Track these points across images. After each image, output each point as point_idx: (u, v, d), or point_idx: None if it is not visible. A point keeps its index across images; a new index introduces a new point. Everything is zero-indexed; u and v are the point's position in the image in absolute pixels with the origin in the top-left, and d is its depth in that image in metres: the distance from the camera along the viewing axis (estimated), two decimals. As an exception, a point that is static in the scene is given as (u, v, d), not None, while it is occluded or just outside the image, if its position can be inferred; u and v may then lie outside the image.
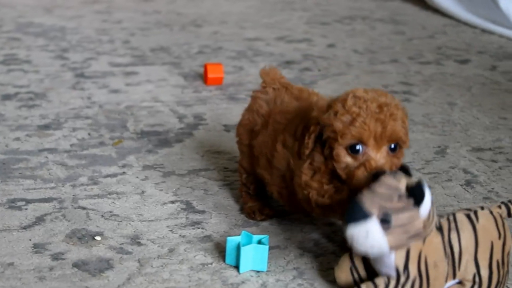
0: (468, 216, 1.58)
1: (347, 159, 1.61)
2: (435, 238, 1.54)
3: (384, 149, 1.60)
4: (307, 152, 1.65)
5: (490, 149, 2.39)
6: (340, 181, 1.64)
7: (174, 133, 2.46)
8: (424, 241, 1.53)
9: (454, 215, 1.59)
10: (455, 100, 2.83)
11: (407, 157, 2.30)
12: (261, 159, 1.84)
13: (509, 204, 1.61)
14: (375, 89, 1.65)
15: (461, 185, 2.13)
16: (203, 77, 2.96)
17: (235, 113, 2.64)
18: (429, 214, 1.51)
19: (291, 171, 1.74)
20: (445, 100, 2.81)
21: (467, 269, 1.56)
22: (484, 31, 3.74)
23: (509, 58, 3.34)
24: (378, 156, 1.59)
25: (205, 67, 2.93)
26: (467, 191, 2.10)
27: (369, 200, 1.49)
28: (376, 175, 1.55)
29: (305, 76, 3.06)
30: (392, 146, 1.60)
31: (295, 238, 1.85)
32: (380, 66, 3.21)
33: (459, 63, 3.27)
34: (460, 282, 1.57)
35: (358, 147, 1.60)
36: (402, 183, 1.51)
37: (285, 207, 1.92)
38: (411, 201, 1.49)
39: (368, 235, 1.48)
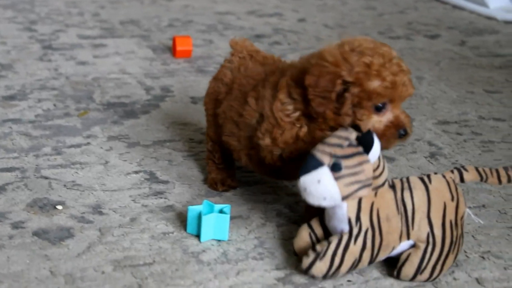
0: (421, 179, 1.61)
1: (373, 117, 1.61)
2: (387, 193, 1.56)
3: (400, 106, 1.63)
4: (347, 110, 1.61)
5: (455, 122, 2.40)
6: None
7: (140, 104, 2.45)
8: (376, 194, 1.55)
9: (407, 177, 1.61)
10: (423, 74, 2.83)
11: (373, 129, 2.30)
12: (226, 125, 1.83)
13: (461, 169, 1.62)
14: (373, 40, 1.65)
15: (425, 157, 2.14)
16: (172, 50, 2.94)
17: (202, 85, 2.63)
18: (378, 162, 1.54)
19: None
20: (414, 74, 2.81)
21: (420, 228, 1.57)
22: (455, 7, 3.74)
23: (478, 33, 3.35)
24: (401, 114, 1.62)
25: (173, 39, 2.92)
26: (431, 163, 2.11)
27: (320, 151, 1.51)
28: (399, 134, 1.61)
29: (274, 49, 3.05)
30: None
31: (257, 208, 1.85)
32: (350, 41, 3.20)
33: (429, 38, 3.28)
34: (414, 245, 1.58)
35: (383, 104, 1.61)
36: (352, 134, 1.54)
37: (254, 172, 1.92)
38: (361, 148, 1.52)
39: (319, 183, 1.50)
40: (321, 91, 1.61)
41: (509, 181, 1.64)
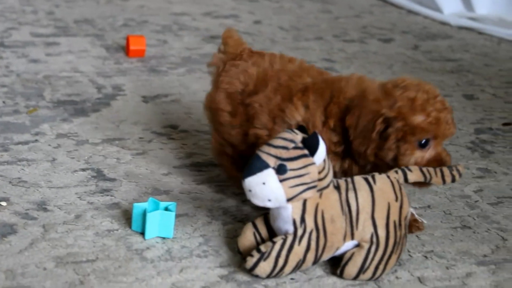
0: (366, 179, 1.61)
1: (416, 153, 1.64)
2: (332, 194, 1.57)
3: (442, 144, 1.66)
4: (390, 145, 1.65)
5: (405, 124, 2.41)
6: None
7: (91, 103, 2.44)
8: (321, 195, 1.55)
9: (352, 177, 1.62)
10: (375, 77, 2.83)
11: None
12: (259, 117, 1.78)
13: (405, 169, 1.63)
14: (417, 79, 1.69)
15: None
16: (125, 49, 2.93)
17: (155, 84, 2.62)
18: (324, 164, 1.54)
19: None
20: (366, 77, 2.83)
21: (364, 229, 1.58)
22: (410, 11, 3.77)
23: (431, 38, 3.38)
24: (443, 151, 1.66)
25: (127, 39, 2.91)
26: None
27: (265, 153, 1.52)
28: None
29: (228, 50, 3.05)
30: None
31: (204, 206, 1.85)
32: (305, 43, 3.22)
33: (382, 42, 3.30)
34: (358, 245, 1.59)
35: (426, 141, 1.64)
36: (298, 136, 1.54)
37: (202, 170, 1.92)
38: (306, 150, 1.52)
39: (265, 185, 1.51)
40: (362, 131, 1.63)
41: (453, 180, 1.66)
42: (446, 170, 1.65)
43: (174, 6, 3.64)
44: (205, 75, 2.72)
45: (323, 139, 1.57)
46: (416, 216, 1.74)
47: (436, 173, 1.65)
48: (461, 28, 3.54)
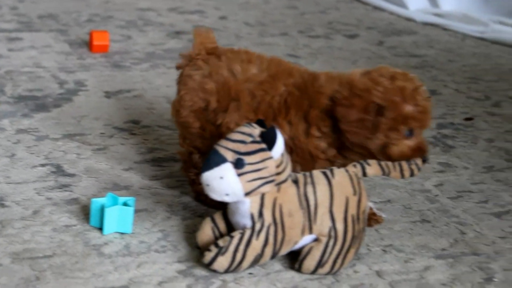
0: (324, 173, 1.61)
1: (404, 141, 1.65)
2: (290, 189, 1.57)
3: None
4: (381, 135, 1.65)
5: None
6: None
7: (53, 98, 2.42)
8: (279, 189, 1.55)
9: (310, 172, 1.62)
10: (339, 72, 2.84)
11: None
12: None
13: (364, 163, 1.63)
14: (402, 72, 1.67)
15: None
16: (89, 45, 2.91)
17: (118, 80, 2.61)
18: (281, 158, 1.54)
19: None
20: (330, 73, 2.83)
21: (323, 223, 1.58)
22: (376, 8, 3.77)
23: (397, 34, 3.39)
24: (423, 138, 1.67)
25: (90, 34, 2.89)
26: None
27: (223, 147, 1.51)
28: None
29: (193, 46, 3.04)
30: None
31: (164, 201, 1.84)
32: (270, 39, 3.22)
33: (347, 37, 3.30)
34: (316, 239, 1.59)
35: (412, 130, 1.65)
36: (256, 130, 1.53)
37: (163, 166, 1.90)
38: (264, 145, 1.52)
39: (222, 180, 1.50)
40: (355, 121, 1.62)
41: (412, 175, 1.66)
42: (404, 165, 1.66)
43: (139, 1, 3.63)
44: (169, 71, 2.72)
45: (281, 133, 1.57)
46: (375, 210, 1.74)
47: (394, 168, 1.65)
48: (426, 24, 3.55)
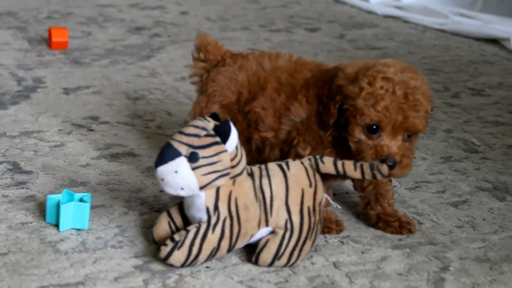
0: (280, 165, 1.61)
1: (361, 136, 1.63)
2: (245, 182, 1.57)
3: (400, 137, 1.62)
4: (331, 121, 1.66)
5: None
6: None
7: (10, 95, 2.40)
8: (234, 182, 1.55)
9: (265, 164, 1.62)
10: (300, 66, 2.85)
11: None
12: (265, 120, 1.76)
13: (318, 159, 1.63)
14: (406, 67, 1.64)
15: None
16: (48, 42, 2.89)
17: (77, 76, 2.60)
18: (236, 151, 1.54)
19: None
20: (290, 66, 2.83)
21: (279, 215, 1.58)
22: (337, 1, 3.79)
23: (358, 27, 3.40)
24: (392, 144, 1.62)
25: (49, 31, 2.87)
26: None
27: (177, 141, 1.51)
28: (382, 160, 1.62)
29: (154, 41, 3.04)
30: (407, 135, 1.64)
31: (121, 197, 1.84)
32: (231, 33, 3.21)
33: (308, 31, 3.31)
34: (273, 232, 1.59)
35: (375, 128, 1.61)
36: (210, 124, 1.53)
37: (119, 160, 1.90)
38: (218, 138, 1.51)
39: (177, 174, 1.50)
40: (324, 103, 1.64)
41: (373, 177, 1.64)
42: (367, 168, 1.63)
43: (100, -3, 3.61)
44: (128, 66, 2.71)
45: (235, 127, 1.57)
46: (331, 201, 1.75)
47: (355, 168, 1.63)
48: (387, 17, 3.57)
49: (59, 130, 2.18)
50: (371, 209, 1.77)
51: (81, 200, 1.71)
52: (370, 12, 3.62)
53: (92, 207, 1.76)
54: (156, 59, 2.82)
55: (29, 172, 1.92)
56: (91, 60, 2.76)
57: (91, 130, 2.18)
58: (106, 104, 2.38)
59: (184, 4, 3.62)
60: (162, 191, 1.84)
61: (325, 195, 1.66)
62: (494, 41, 3.24)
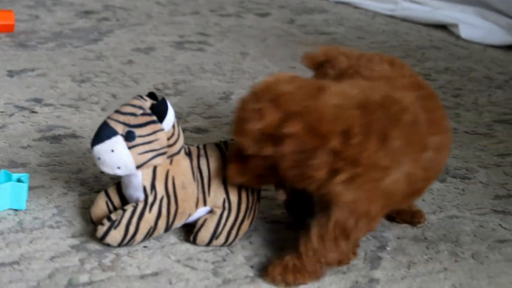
0: (218, 145, 1.61)
1: None
2: (183, 161, 1.57)
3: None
4: None
5: (273, 95, 2.42)
6: None
7: (-47, 78, 2.37)
8: (171, 162, 1.55)
9: (204, 144, 1.62)
10: (248, 50, 2.85)
11: (190, 102, 2.31)
12: None
13: None
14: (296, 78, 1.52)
15: (239, 129, 2.15)
16: (-6, 24, 2.86)
17: (22, 59, 2.58)
18: (173, 130, 1.54)
19: None
20: (239, 50, 2.84)
21: (217, 194, 1.58)
22: (288, -13, 3.79)
23: (308, 12, 3.40)
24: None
25: (-5, 13, 2.84)
26: (243, 133, 2.13)
27: (113, 120, 1.51)
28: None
29: (102, 25, 3.02)
30: None
31: (61, 178, 1.82)
32: (181, 18, 3.20)
33: (258, 16, 3.31)
34: (211, 211, 1.60)
35: None
36: (147, 102, 1.53)
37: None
38: (155, 117, 1.51)
39: (113, 153, 1.50)
40: None
41: None
42: None
43: (49, -19, 3.57)
44: (75, 50, 2.69)
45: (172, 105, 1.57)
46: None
47: None
48: (337, 2, 3.58)
49: (1, 112, 2.16)
50: None
51: (18, 180, 1.69)
52: (321, -2, 3.63)
53: (31, 188, 1.75)
54: (104, 43, 2.80)
55: (-32, 153, 1.90)
56: (37, 43, 2.74)
57: (33, 112, 2.16)
58: (50, 87, 2.36)
59: (135, -12, 3.59)
60: (103, 172, 1.84)
61: None
62: (443, 27, 3.27)
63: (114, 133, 1.52)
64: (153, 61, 2.64)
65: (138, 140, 1.52)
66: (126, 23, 3.07)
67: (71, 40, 2.80)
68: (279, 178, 1.49)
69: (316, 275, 1.51)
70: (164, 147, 1.54)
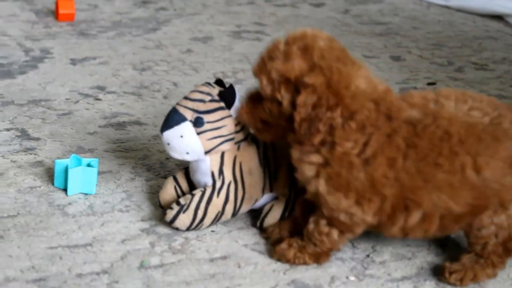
0: None
1: None
2: (250, 148, 1.60)
3: None
4: None
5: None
6: None
7: (18, 65, 2.42)
8: (238, 148, 1.58)
9: None
10: (305, 40, 2.86)
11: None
12: None
13: None
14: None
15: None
16: (55, 13, 2.91)
17: (83, 47, 2.62)
18: None
19: None
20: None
21: (283, 182, 1.61)
22: (342, -23, 3.80)
23: (362, 2, 3.41)
24: None
25: (56, 3, 2.89)
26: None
27: (182, 106, 1.54)
28: None
29: (159, 15, 3.05)
30: None
31: (128, 163, 1.86)
32: (237, 8, 3.23)
33: (314, 6, 3.32)
34: (277, 198, 1.62)
35: None
36: (215, 89, 1.56)
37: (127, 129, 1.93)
38: (222, 103, 1.54)
39: (182, 138, 1.53)
40: None
41: None
42: None
43: (106, -29, 3.62)
44: (134, 39, 2.73)
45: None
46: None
47: None
48: (392, -8, 3.58)
49: (66, 99, 2.20)
50: None
51: (88, 165, 1.73)
52: (375, -12, 3.63)
53: (99, 173, 1.79)
54: (162, 32, 2.84)
55: (37, 139, 1.95)
56: (97, 32, 2.78)
57: (98, 99, 2.20)
58: (112, 75, 2.40)
59: (190, -22, 3.63)
60: (168, 158, 1.87)
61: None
62: (498, 17, 3.25)
63: (183, 119, 1.55)
64: (212, 50, 2.68)
65: (206, 126, 1.55)
66: (183, 13, 3.11)
67: (130, 29, 2.84)
68: (281, 133, 1.51)
69: (316, 258, 1.54)
70: (232, 133, 1.57)
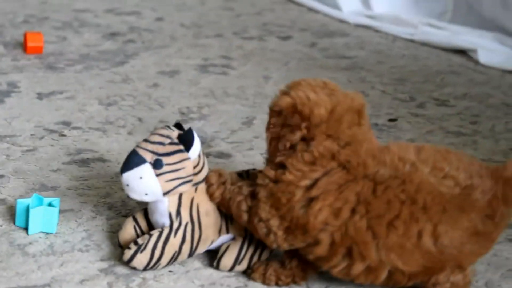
0: (240, 175, 1.69)
1: None
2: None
3: None
4: None
5: (294, 120, 2.48)
6: None
7: (-16, 100, 2.45)
8: (196, 189, 1.62)
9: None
10: (271, 74, 2.92)
11: (214, 127, 2.38)
12: None
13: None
14: None
15: (261, 154, 2.22)
16: (23, 46, 2.94)
17: (51, 81, 2.65)
18: (198, 159, 1.61)
19: None
20: (261, 74, 2.90)
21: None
22: (310, 9, 3.85)
23: (329, 35, 3.46)
24: None
25: (25, 35, 2.92)
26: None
27: (142, 148, 1.58)
28: None
29: (128, 47, 3.09)
30: None
31: (90, 201, 1.89)
32: (204, 40, 3.27)
33: (281, 39, 3.37)
34: (234, 238, 1.66)
35: None
36: (174, 132, 1.60)
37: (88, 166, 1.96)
38: (182, 146, 1.58)
39: (142, 180, 1.57)
40: None
41: None
42: None
43: (76, 2, 3.65)
44: (102, 72, 2.76)
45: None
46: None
47: None
48: (358, 26, 3.63)
49: (32, 135, 2.23)
50: None
51: (50, 204, 1.76)
52: (342, 21, 3.68)
53: (61, 211, 1.81)
54: (130, 65, 2.88)
55: (1, 176, 1.98)
56: (65, 65, 2.81)
57: (63, 135, 2.23)
58: (78, 110, 2.44)
59: (160, 10, 3.67)
60: (129, 197, 1.90)
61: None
62: (462, 51, 3.32)
63: (143, 161, 1.59)
64: (178, 85, 2.72)
65: (165, 168, 1.59)
66: (151, 46, 3.15)
67: (98, 63, 2.87)
68: None
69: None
70: (190, 175, 1.61)
